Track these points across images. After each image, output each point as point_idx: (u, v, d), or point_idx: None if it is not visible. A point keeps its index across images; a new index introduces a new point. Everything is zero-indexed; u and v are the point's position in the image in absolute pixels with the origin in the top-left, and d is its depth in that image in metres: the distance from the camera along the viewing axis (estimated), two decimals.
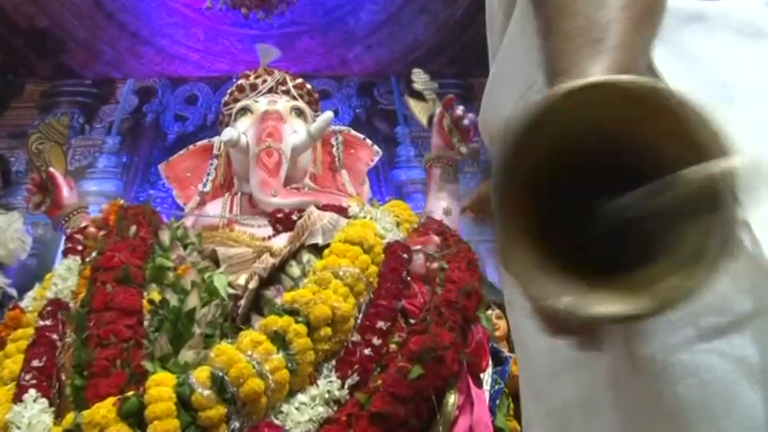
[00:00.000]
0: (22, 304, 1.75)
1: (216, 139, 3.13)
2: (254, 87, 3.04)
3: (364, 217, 1.58)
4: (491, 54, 0.76)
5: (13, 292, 2.62)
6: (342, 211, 1.65)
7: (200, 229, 2.05)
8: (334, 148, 3.01)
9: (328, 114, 2.69)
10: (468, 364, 1.34)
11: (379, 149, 3.10)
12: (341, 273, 1.27)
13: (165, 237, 1.75)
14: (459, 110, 2.75)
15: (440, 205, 2.76)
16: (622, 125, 0.44)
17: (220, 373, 1.03)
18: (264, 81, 3.03)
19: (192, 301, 1.29)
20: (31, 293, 1.72)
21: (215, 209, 2.45)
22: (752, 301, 0.48)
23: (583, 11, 0.49)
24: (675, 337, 0.49)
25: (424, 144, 4.47)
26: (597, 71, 0.46)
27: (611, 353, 0.51)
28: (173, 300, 1.31)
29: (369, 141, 3.18)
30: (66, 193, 2.58)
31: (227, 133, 2.57)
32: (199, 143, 3.19)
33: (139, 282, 1.37)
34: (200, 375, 1.03)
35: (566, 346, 0.47)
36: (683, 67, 0.57)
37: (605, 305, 0.43)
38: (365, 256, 1.32)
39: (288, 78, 3.10)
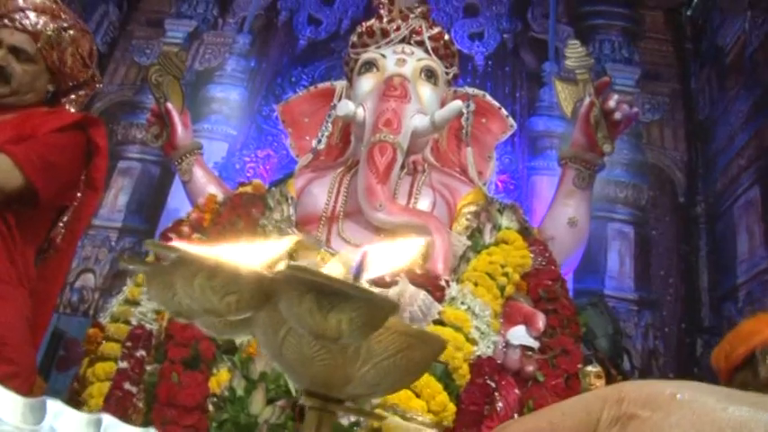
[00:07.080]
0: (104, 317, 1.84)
1: (338, 84, 3.11)
2: (385, 34, 2.96)
3: (462, 303, 1.52)
4: None
5: None
6: (439, 290, 1.58)
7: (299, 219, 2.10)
8: (464, 116, 2.91)
9: (457, 104, 2.59)
10: None
11: (513, 123, 2.95)
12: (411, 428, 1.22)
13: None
14: (613, 100, 2.52)
15: (565, 213, 2.63)
16: None
17: None
18: (398, 28, 2.93)
19: (257, 403, 1.32)
20: (112, 307, 1.81)
21: (320, 189, 2.47)
22: None
23: None
24: None
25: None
26: None
27: None
28: (239, 388, 1.35)
29: (504, 112, 3.05)
30: (181, 132, 2.70)
31: (343, 108, 2.56)
32: (320, 85, 3.19)
33: (208, 360, 1.40)
34: None
35: None
36: None
37: None
38: (443, 395, 1.26)
39: (424, 26, 2.97)
